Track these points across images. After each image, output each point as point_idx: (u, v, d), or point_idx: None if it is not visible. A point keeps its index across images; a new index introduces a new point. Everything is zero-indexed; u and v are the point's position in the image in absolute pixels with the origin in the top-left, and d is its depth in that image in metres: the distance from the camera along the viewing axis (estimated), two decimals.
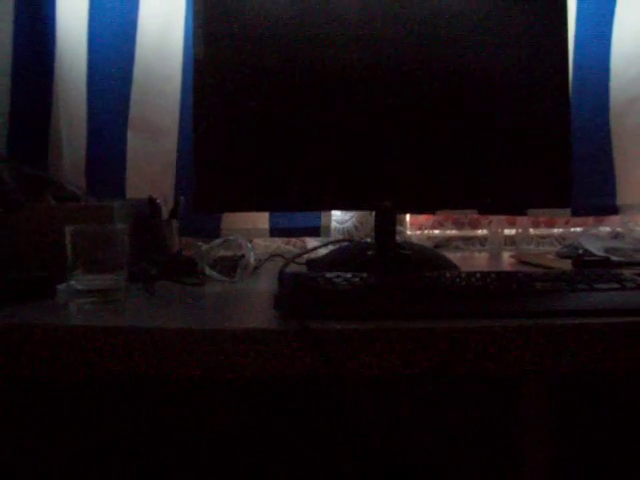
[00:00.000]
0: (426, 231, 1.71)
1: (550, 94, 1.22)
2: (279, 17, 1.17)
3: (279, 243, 1.62)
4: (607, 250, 1.32)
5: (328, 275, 0.91)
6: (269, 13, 1.17)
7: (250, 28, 1.17)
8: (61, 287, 0.95)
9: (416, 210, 1.56)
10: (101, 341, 0.77)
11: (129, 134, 1.56)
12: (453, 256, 1.34)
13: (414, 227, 1.71)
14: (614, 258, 1.26)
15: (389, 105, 1.19)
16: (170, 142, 1.55)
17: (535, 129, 1.22)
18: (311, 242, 1.59)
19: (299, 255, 1.05)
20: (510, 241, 1.71)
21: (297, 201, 1.19)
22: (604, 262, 1.23)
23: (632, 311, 0.81)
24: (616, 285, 0.90)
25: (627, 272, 1.00)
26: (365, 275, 0.92)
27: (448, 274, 0.96)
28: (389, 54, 1.18)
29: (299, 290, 0.86)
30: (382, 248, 1.15)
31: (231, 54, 1.17)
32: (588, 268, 1.15)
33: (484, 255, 1.63)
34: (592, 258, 1.26)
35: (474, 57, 1.20)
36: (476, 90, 1.20)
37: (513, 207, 1.47)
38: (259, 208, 1.39)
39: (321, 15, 1.18)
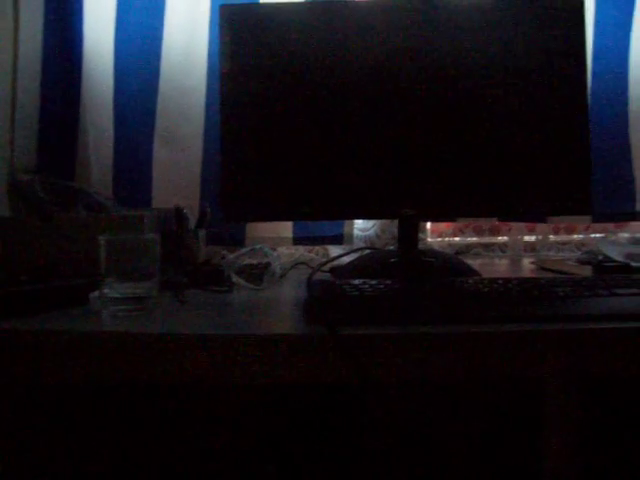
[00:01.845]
0: (447, 238, 1.73)
1: (569, 103, 1.23)
2: (301, 31, 1.20)
3: (302, 251, 1.64)
4: (627, 256, 1.32)
5: (355, 282, 0.93)
6: (291, 28, 1.20)
7: (274, 40, 1.20)
8: (94, 295, 0.97)
9: (438, 218, 1.58)
10: (134, 347, 0.80)
11: (155, 145, 1.59)
12: (473, 263, 1.35)
13: (435, 234, 1.72)
14: (634, 264, 1.27)
15: (411, 115, 1.21)
16: (195, 153, 1.58)
17: (554, 138, 1.23)
18: (333, 250, 1.61)
19: (325, 263, 1.07)
20: (530, 247, 1.72)
21: (322, 210, 1.21)
22: (624, 268, 1.24)
23: None
24: (636, 290, 0.91)
25: None
26: (390, 282, 0.94)
27: (471, 280, 0.98)
28: (410, 66, 1.21)
29: (327, 296, 0.88)
30: (405, 255, 1.17)
31: (256, 68, 1.20)
32: (608, 274, 1.17)
33: (504, 262, 1.64)
34: (612, 264, 1.27)
35: (492, 66, 1.22)
36: (496, 99, 1.22)
37: (534, 214, 1.48)
38: (284, 217, 1.41)
39: (344, 29, 1.21)
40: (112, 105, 1.60)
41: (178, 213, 1.32)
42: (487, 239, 1.74)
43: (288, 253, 1.62)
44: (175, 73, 1.58)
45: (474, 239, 1.73)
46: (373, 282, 0.93)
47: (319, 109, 1.20)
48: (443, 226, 1.72)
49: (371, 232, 1.62)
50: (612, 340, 0.80)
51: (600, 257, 1.36)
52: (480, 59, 1.22)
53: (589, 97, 1.51)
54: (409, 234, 1.20)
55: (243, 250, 1.18)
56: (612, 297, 0.90)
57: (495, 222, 1.69)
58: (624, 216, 1.62)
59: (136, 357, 0.80)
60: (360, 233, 1.62)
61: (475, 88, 1.22)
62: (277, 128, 1.20)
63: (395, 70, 1.21)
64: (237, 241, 1.54)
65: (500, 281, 0.97)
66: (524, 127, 1.23)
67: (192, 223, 1.36)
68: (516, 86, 1.22)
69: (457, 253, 1.68)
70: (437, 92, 1.21)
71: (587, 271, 1.28)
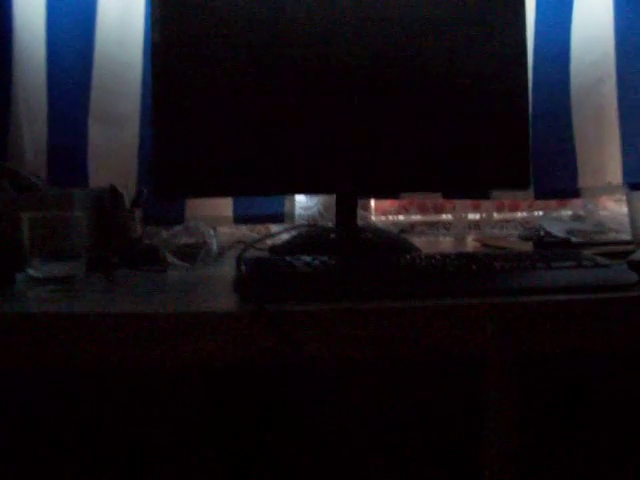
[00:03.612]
0: (391, 217, 1.72)
1: (509, 80, 1.25)
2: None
3: (244, 231, 1.61)
4: (568, 232, 1.35)
5: (288, 258, 0.92)
6: None
7: (207, 10, 1.17)
8: (20, 276, 0.95)
9: (377, 193, 1.57)
10: (58, 328, 0.77)
11: (90, 122, 1.53)
12: (418, 241, 1.36)
13: (379, 213, 1.71)
14: (574, 239, 1.29)
15: (350, 88, 1.20)
16: (132, 130, 1.53)
17: (495, 112, 1.24)
18: (276, 229, 1.58)
19: (259, 240, 1.06)
20: (474, 225, 1.72)
21: (258, 185, 1.20)
22: (564, 243, 1.26)
23: (588, 288, 0.84)
24: (573, 263, 0.92)
25: (585, 252, 1.02)
26: (325, 258, 0.92)
27: (408, 256, 0.97)
28: (350, 37, 1.20)
29: (258, 273, 0.87)
30: (343, 232, 1.16)
31: (188, 37, 1.17)
32: (548, 249, 1.17)
33: (448, 239, 1.66)
34: (552, 239, 1.29)
35: (434, 42, 1.22)
36: (437, 74, 1.22)
37: (476, 189, 1.49)
38: (219, 193, 1.39)
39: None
40: (45, 82, 1.54)
41: (112, 192, 1.28)
42: (431, 217, 1.73)
43: (229, 232, 1.59)
44: (110, 47, 1.52)
45: (418, 217, 1.72)
46: (307, 258, 0.91)
47: (255, 80, 1.18)
48: (387, 204, 1.71)
49: (314, 210, 1.60)
50: (549, 312, 0.80)
51: (542, 233, 1.37)
52: (422, 35, 1.21)
53: (531, 73, 1.52)
54: (347, 210, 1.19)
55: (177, 228, 1.15)
56: (549, 270, 0.90)
57: (439, 200, 1.68)
58: (566, 193, 1.63)
59: (61, 339, 0.77)
60: (302, 212, 1.60)
61: (416, 62, 1.22)
62: (212, 101, 1.18)
63: (335, 40, 1.20)
64: (176, 220, 1.49)
65: (438, 256, 0.96)
66: (466, 101, 1.23)
67: (129, 202, 1.32)
68: (458, 61, 1.23)
69: (401, 232, 1.67)
70: (378, 66, 1.20)
71: (528, 247, 1.30)
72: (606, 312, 0.81)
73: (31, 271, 0.90)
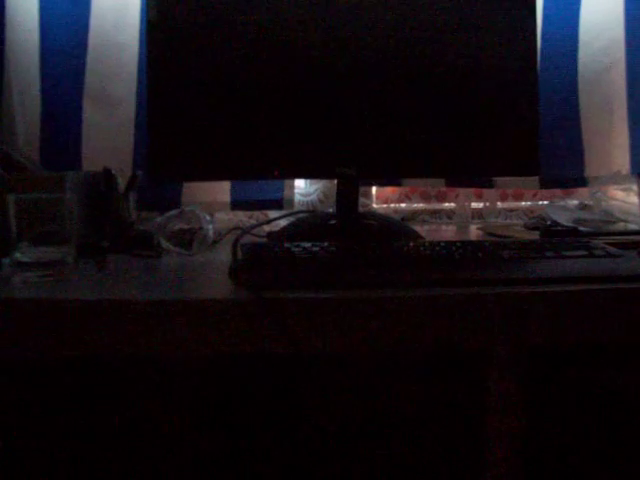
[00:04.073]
0: (392, 204, 1.69)
1: (518, 63, 1.23)
2: None
3: (242, 217, 1.59)
4: (575, 221, 1.32)
5: (286, 245, 0.89)
6: None
7: None
8: (7, 260, 0.92)
9: (380, 178, 1.55)
10: (46, 315, 0.75)
11: (85, 104, 1.51)
12: (420, 229, 1.33)
13: (380, 200, 1.68)
14: (582, 229, 1.26)
15: (353, 70, 1.18)
16: (127, 112, 1.51)
17: (503, 95, 1.23)
18: (274, 216, 1.56)
19: (256, 226, 1.03)
20: (477, 214, 1.70)
21: (256, 169, 1.18)
22: (572, 232, 1.22)
23: (601, 278, 0.81)
24: (585, 253, 0.90)
25: (596, 241, 1.00)
26: (325, 244, 0.90)
27: (412, 243, 0.95)
28: (352, 16, 1.17)
29: (255, 260, 0.84)
30: (344, 217, 1.14)
31: (185, 17, 1.14)
32: (556, 238, 1.15)
33: (451, 228, 1.63)
34: (560, 228, 1.25)
35: (440, 26, 1.20)
36: (443, 57, 1.20)
37: (483, 174, 1.47)
38: (216, 177, 1.37)
39: None
40: (38, 63, 1.51)
41: (106, 175, 1.25)
42: (434, 205, 1.70)
43: (227, 218, 1.56)
44: (106, 27, 1.49)
45: (421, 205, 1.69)
46: (307, 244, 0.89)
47: (254, 61, 1.16)
48: (389, 191, 1.68)
49: (313, 197, 1.57)
50: (559, 303, 0.78)
51: (548, 222, 1.35)
52: (427, 19, 1.19)
53: (539, 59, 1.49)
54: (348, 195, 1.16)
55: (172, 212, 1.12)
56: (561, 259, 0.88)
57: (442, 188, 1.65)
58: (573, 182, 1.61)
59: (49, 326, 0.75)
60: (302, 198, 1.57)
61: (422, 46, 1.20)
62: (209, 81, 1.15)
63: (336, 23, 1.17)
64: (171, 205, 1.46)
65: (442, 244, 0.94)
66: (473, 84, 1.22)
67: (123, 186, 1.29)
68: (465, 46, 1.21)
69: (403, 219, 1.64)
70: (382, 45, 1.18)
71: (534, 236, 1.27)
72: (619, 303, 0.79)
73: (18, 255, 0.87)
